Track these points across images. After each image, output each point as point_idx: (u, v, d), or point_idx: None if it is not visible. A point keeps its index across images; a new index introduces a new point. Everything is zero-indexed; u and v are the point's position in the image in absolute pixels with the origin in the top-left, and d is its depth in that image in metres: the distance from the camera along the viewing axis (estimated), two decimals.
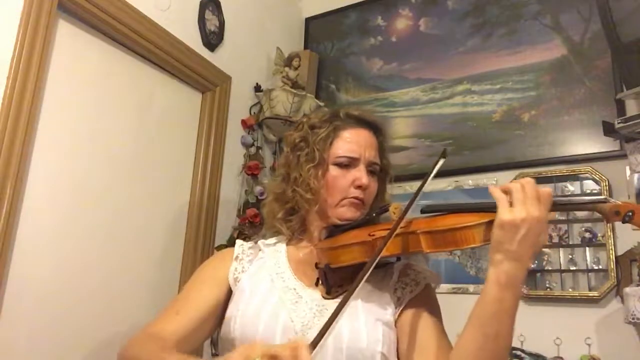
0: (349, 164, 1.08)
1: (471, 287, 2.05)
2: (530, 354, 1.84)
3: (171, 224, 1.93)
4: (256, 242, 1.16)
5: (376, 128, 1.15)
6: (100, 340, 1.60)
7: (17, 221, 1.40)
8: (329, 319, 0.78)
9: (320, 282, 1.02)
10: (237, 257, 1.11)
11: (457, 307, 2.04)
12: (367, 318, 0.96)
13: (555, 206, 0.88)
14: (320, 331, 0.77)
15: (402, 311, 1.01)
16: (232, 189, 2.19)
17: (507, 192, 0.85)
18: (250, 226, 2.12)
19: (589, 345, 1.78)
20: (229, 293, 1.07)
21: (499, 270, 0.83)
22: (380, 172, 1.15)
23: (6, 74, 1.37)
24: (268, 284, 1.03)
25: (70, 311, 1.52)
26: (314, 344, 0.73)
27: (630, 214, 0.94)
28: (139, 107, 1.84)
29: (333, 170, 1.08)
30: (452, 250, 1.03)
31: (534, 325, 1.88)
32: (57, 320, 1.49)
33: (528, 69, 2.15)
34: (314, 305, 0.99)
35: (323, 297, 1.01)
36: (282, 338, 0.94)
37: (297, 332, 0.94)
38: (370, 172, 1.10)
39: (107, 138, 1.72)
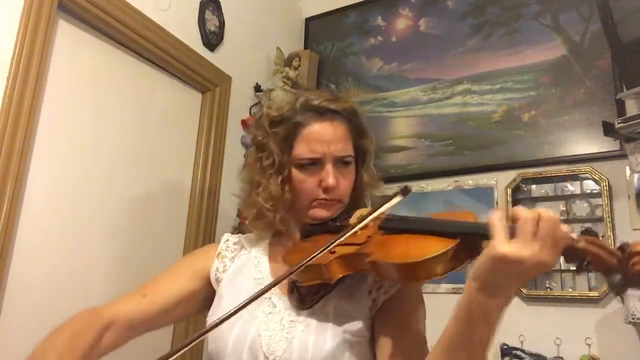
0: (312, 164, 0.98)
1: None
2: (530, 354, 1.84)
3: (171, 224, 1.93)
4: (241, 237, 1.13)
5: (342, 114, 1.02)
6: None
7: (17, 221, 1.40)
8: (235, 309, 0.76)
9: (292, 292, 0.97)
10: (219, 253, 1.08)
11: None
12: (335, 331, 0.90)
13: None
14: (210, 324, 0.77)
15: (376, 314, 0.94)
16: (232, 189, 2.18)
17: (514, 219, 0.70)
18: None
19: (589, 345, 1.78)
20: (208, 288, 1.05)
21: (472, 300, 0.74)
22: (358, 156, 1.05)
23: (6, 74, 1.37)
24: (245, 293, 0.96)
25: (71, 311, 1.52)
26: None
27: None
28: (139, 107, 1.84)
29: (297, 174, 0.99)
30: (405, 284, 0.92)
31: (534, 325, 1.88)
32: (57, 320, 1.49)
33: (528, 69, 2.15)
34: (285, 316, 0.94)
35: (297, 308, 0.95)
36: (249, 354, 0.90)
37: (262, 347, 0.90)
38: (343, 163, 1.00)
39: (107, 138, 1.72)
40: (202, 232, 1.99)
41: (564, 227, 0.69)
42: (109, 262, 1.67)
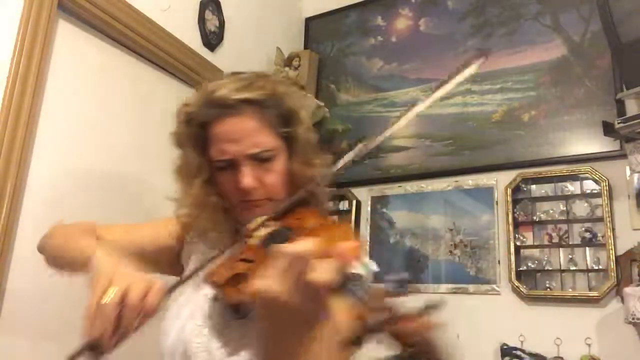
0: (228, 165, 0.89)
1: (471, 287, 2.05)
2: (530, 354, 1.84)
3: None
4: None
5: (253, 103, 0.88)
6: None
7: (17, 221, 1.40)
8: (181, 279, 0.74)
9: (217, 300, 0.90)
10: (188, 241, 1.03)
11: (457, 307, 2.05)
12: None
13: None
14: (176, 283, 0.74)
15: None
16: None
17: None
18: None
19: (589, 345, 1.78)
20: (180, 248, 1.03)
21: None
22: (289, 144, 0.91)
23: (6, 74, 1.37)
24: (192, 288, 0.92)
25: (71, 311, 1.52)
26: (169, 290, 0.72)
27: None
28: (139, 107, 1.84)
29: (218, 176, 0.91)
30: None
31: (534, 325, 1.88)
32: (57, 320, 1.49)
33: (528, 69, 2.15)
34: (221, 321, 0.87)
35: (226, 317, 0.87)
36: (183, 358, 0.86)
37: (194, 354, 0.85)
38: (263, 159, 0.88)
39: (107, 138, 1.72)
40: None
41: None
42: None
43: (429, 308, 0.52)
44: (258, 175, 0.88)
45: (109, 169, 1.71)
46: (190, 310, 0.90)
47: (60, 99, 1.55)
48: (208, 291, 0.87)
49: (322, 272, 0.52)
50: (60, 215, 1.54)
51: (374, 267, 0.93)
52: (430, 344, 0.51)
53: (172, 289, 0.74)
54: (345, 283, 0.54)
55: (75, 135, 1.61)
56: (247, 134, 0.87)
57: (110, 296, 0.71)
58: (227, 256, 0.79)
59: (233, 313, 0.86)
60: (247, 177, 0.87)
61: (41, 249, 1.04)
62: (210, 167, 0.91)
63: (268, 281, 0.55)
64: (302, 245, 0.54)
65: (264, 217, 0.82)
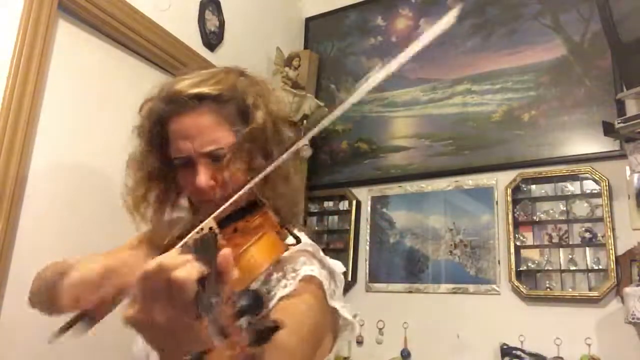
0: (186, 162, 0.84)
1: (471, 287, 2.05)
2: (530, 354, 1.84)
3: None
4: None
5: (209, 98, 0.84)
6: (101, 340, 1.59)
7: (17, 221, 1.40)
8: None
9: None
10: None
11: (457, 307, 2.05)
12: None
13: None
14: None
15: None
16: None
17: None
18: None
19: (589, 345, 1.78)
20: None
21: None
22: (243, 143, 0.84)
23: (6, 74, 1.37)
24: None
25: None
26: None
27: None
28: (138, 106, 1.84)
29: (178, 174, 0.87)
30: None
31: (534, 325, 1.89)
32: (57, 320, 1.49)
33: (528, 69, 2.15)
34: None
35: None
36: None
37: None
38: (218, 157, 0.83)
39: (107, 138, 1.71)
40: None
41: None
42: None
43: (269, 331, 0.49)
44: (215, 174, 0.83)
45: (109, 168, 1.71)
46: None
47: (60, 99, 1.55)
48: None
49: (186, 270, 0.50)
50: (60, 215, 1.54)
51: (338, 267, 0.88)
52: None
53: None
54: (208, 292, 0.49)
55: (75, 135, 1.61)
56: (202, 130, 0.83)
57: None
58: None
59: None
60: (202, 176, 0.82)
61: (30, 301, 0.95)
62: (169, 165, 0.88)
63: (130, 308, 0.53)
64: (165, 257, 0.52)
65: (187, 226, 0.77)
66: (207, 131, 0.83)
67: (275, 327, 0.49)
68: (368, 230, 2.34)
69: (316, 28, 2.79)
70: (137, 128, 0.92)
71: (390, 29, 2.57)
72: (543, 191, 2.04)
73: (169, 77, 1.95)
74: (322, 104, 2.43)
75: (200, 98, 0.83)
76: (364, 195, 2.40)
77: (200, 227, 0.65)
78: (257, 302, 0.51)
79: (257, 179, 0.69)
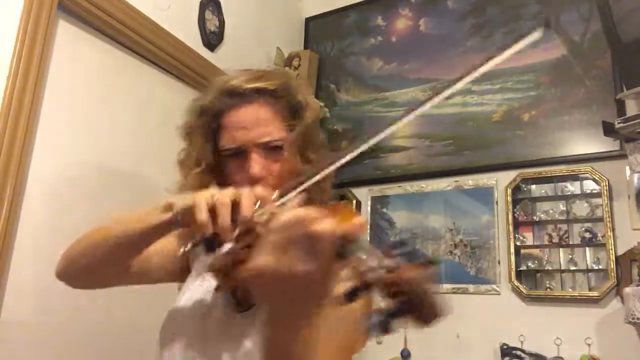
0: (237, 154, 0.89)
1: (471, 287, 2.05)
2: (530, 354, 1.84)
3: None
4: None
5: (265, 93, 0.90)
6: (101, 340, 1.59)
7: (17, 221, 1.40)
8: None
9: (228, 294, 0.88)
10: None
11: (457, 307, 2.05)
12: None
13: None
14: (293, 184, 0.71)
15: None
16: None
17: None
18: None
19: (589, 345, 1.78)
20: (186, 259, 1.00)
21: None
22: (297, 138, 0.91)
23: (6, 74, 1.37)
24: (199, 281, 0.92)
25: (71, 311, 1.52)
26: (281, 193, 0.71)
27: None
28: (139, 106, 1.84)
29: (226, 166, 0.91)
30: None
31: (534, 325, 1.89)
32: (57, 320, 1.49)
33: (528, 69, 2.15)
34: (222, 317, 0.86)
35: (233, 311, 0.86)
36: (185, 352, 0.84)
37: (197, 346, 0.85)
38: (274, 148, 0.89)
39: (107, 138, 1.72)
40: None
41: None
42: None
43: (428, 262, 0.50)
44: (266, 164, 0.88)
45: (109, 168, 1.71)
46: (192, 304, 0.89)
47: (60, 99, 1.55)
48: (211, 284, 0.85)
49: (326, 223, 0.51)
50: (60, 215, 1.54)
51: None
52: (422, 295, 0.49)
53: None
54: (347, 246, 0.52)
55: (75, 135, 1.61)
56: (258, 122, 0.88)
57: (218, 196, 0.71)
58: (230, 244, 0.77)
59: (235, 306, 0.85)
60: (257, 165, 0.87)
61: (65, 267, 0.95)
62: (218, 158, 0.92)
63: (262, 257, 0.53)
64: (303, 210, 0.54)
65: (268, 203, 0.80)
66: (263, 123, 0.88)
67: (432, 261, 0.51)
68: (368, 230, 2.34)
69: (316, 28, 2.79)
70: (187, 127, 0.97)
71: (390, 29, 2.57)
72: (543, 191, 2.04)
73: (169, 77, 1.96)
74: (322, 104, 2.43)
75: (258, 91, 0.89)
76: (364, 195, 2.40)
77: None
78: (404, 245, 0.53)
79: (331, 168, 0.73)
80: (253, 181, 0.86)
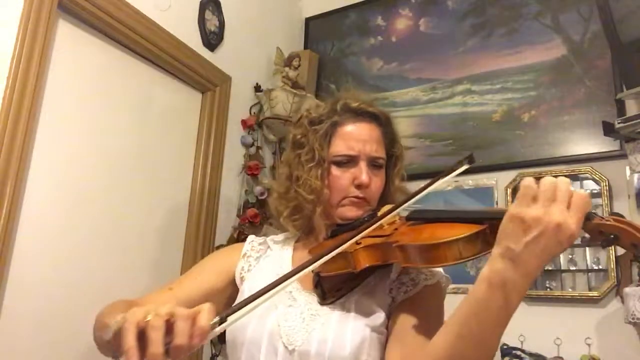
0: (348, 161, 1.03)
1: (471, 288, 2.04)
2: (530, 354, 1.84)
3: (171, 224, 1.93)
4: (266, 239, 1.16)
5: (377, 118, 1.08)
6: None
7: (17, 221, 1.40)
8: (251, 296, 0.73)
9: (315, 286, 0.99)
10: (244, 254, 1.11)
11: None
12: (356, 324, 0.92)
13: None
14: (233, 307, 0.71)
15: (393, 311, 0.95)
16: (232, 189, 2.19)
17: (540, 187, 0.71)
18: (250, 226, 2.12)
19: (589, 345, 1.78)
20: (232, 286, 1.08)
21: (492, 267, 0.71)
22: (389, 163, 1.10)
23: (6, 73, 1.37)
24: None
25: (71, 311, 1.52)
26: (224, 315, 0.68)
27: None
28: (139, 107, 1.84)
29: (333, 170, 1.04)
30: (433, 267, 0.95)
31: (534, 325, 1.88)
32: (57, 320, 1.49)
33: (528, 69, 2.15)
34: (306, 310, 0.95)
35: (319, 302, 0.97)
36: (268, 344, 0.92)
37: (281, 337, 0.92)
38: (375, 166, 1.05)
39: (107, 138, 1.72)
40: (202, 232, 1.99)
41: (582, 194, 0.69)
42: (108, 261, 1.67)
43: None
44: (370, 176, 1.03)
45: (109, 168, 1.71)
46: (264, 306, 0.90)
47: (60, 99, 1.55)
48: (291, 287, 0.97)
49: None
50: (60, 215, 1.54)
51: None
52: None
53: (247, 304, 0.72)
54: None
55: (75, 135, 1.61)
56: (373, 139, 1.05)
57: (152, 316, 0.63)
58: (355, 232, 0.87)
59: (321, 299, 0.96)
60: (367, 174, 1.02)
61: (95, 338, 0.95)
62: (327, 163, 1.04)
63: (531, 207, 0.68)
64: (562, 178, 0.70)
65: (392, 206, 0.94)
66: (375, 141, 1.06)
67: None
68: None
69: (316, 28, 2.79)
70: (300, 136, 1.08)
71: (390, 29, 2.57)
72: None
73: (169, 77, 1.97)
74: (322, 103, 2.42)
75: (374, 115, 1.08)
76: None
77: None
78: None
79: (420, 195, 0.95)
80: (362, 187, 1.02)
